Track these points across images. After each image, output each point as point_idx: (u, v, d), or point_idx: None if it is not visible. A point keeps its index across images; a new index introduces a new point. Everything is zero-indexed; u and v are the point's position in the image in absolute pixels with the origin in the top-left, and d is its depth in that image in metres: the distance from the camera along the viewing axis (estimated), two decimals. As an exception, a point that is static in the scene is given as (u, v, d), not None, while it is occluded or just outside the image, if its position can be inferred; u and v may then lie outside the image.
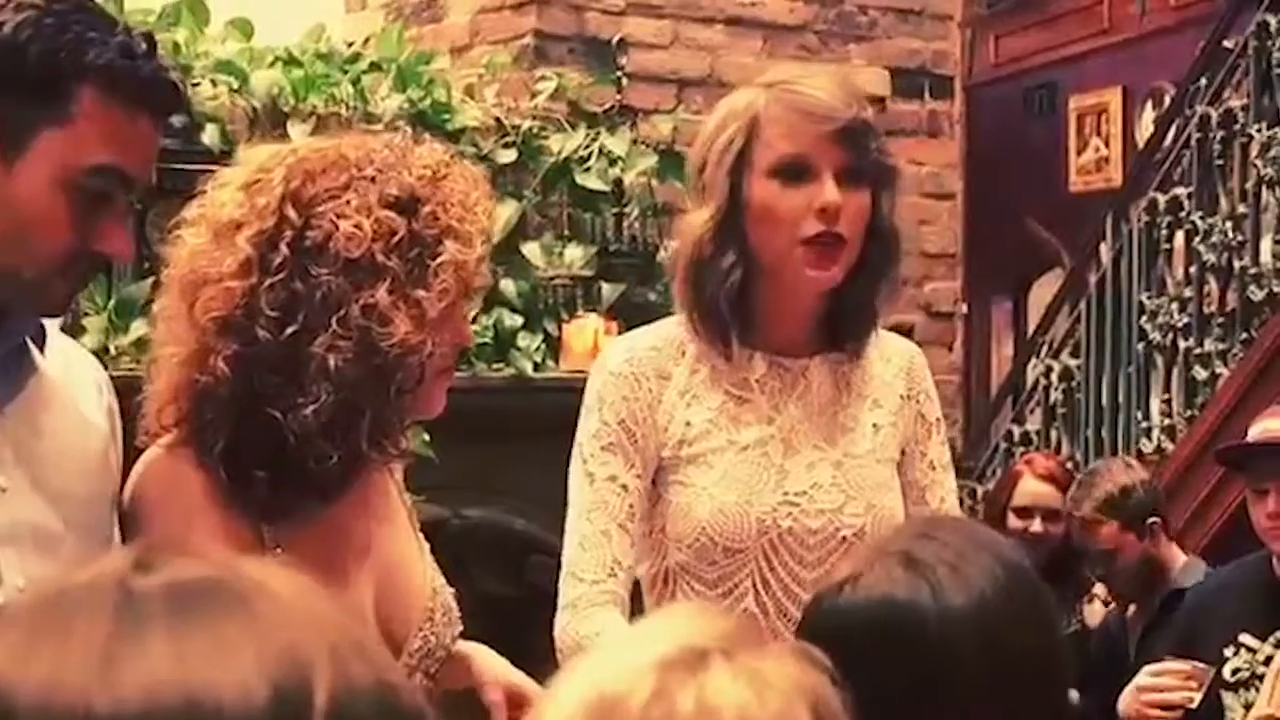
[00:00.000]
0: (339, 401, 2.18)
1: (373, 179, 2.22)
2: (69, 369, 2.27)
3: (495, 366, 6.07)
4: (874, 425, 2.75)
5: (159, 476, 2.27)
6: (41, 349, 2.21)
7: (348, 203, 2.20)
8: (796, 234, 2.62)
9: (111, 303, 5.34)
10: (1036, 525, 5.20)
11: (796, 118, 2.63)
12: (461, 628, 2.46)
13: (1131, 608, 4.87)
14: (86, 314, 5.27)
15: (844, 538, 2.67)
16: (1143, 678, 4.05)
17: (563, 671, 1.29)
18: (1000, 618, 1.82)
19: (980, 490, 7.36)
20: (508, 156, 6.34)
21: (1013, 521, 5.21)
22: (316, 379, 2.17)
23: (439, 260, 2.21)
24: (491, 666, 2.55)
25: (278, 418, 2.19)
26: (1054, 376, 7.19)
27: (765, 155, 2.63)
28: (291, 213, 2.20)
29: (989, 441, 7.58)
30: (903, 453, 2.79)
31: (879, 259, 2.71)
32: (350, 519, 2.35)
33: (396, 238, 2.19)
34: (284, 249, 2.19)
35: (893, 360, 2.82)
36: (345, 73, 6.16)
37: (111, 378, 2.37)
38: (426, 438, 5.01)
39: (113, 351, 5.21)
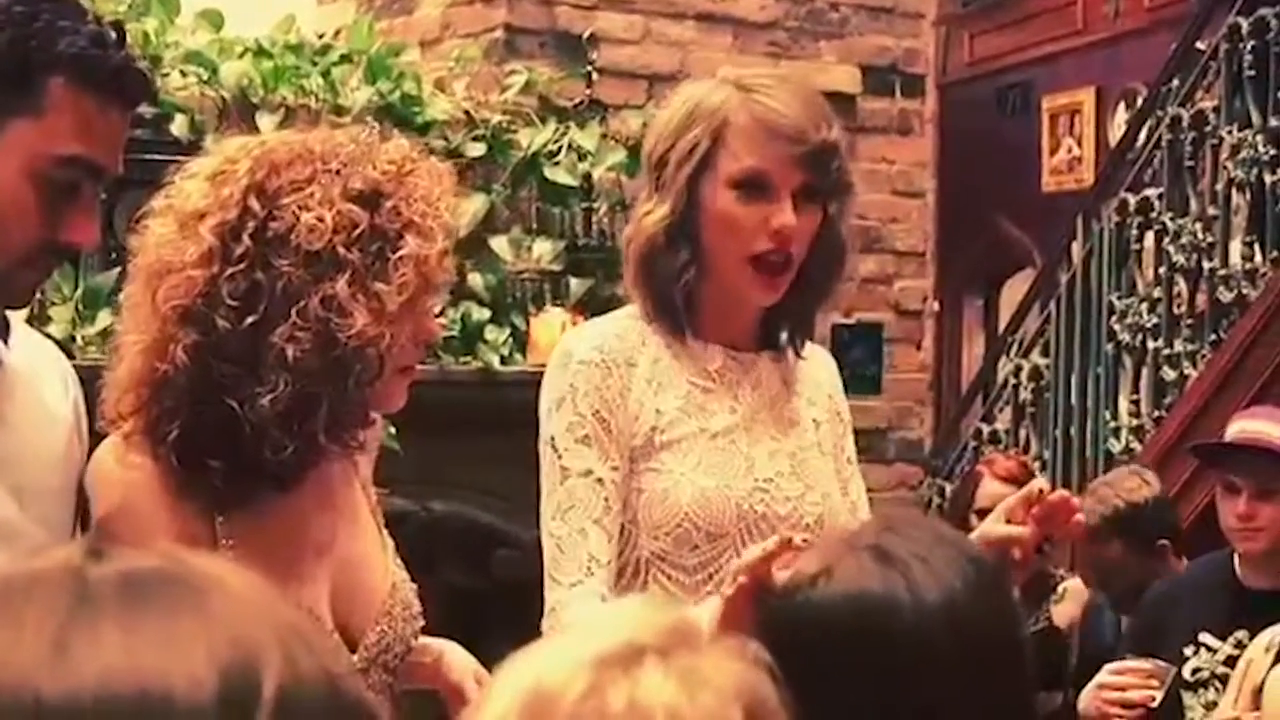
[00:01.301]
0: (296, 392, 2.18)
1: (337, 172, 2.22)
2: (33, 361, 2.27)
3: (462, 360, 6.05)
4: (814, 420, 2.79)
5: (114, 466, 2.26)
6: (5, 340, 2.21)
7: (311, 195, 2.20)
8: (747, 249, 2.64)
9: (78, 293, 5.31)
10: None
11: (765, 134, 2.63)
12: (423, 623, 2.45)
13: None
14: (53, 304, 5.24)
15: (807, 525, 2.68)
16: (1104, 676, 4.03)
17: (507, 662, 1.28)
18: (971, 611, 1.83)
19: (949, 489, 7.37)
20: (477, 150, 6.32)
21: (975, 523, 5.18)
22: (274, 369, 2.17)
23: (399, 254, 2.21)
24: (462, 663, 2.54)
25: (234, 407, 2.19)
26: (1023, 375, 7.20)
27: (729, 165, 2.63)
28: (255, 204, 2.20)
29: (959, 440, 7.59)
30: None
31: (821, 273, 2.73)
32: (308, 512, 2.35)
33: (358, 231, 2.19)
34: (246, 239, 2.19)
35: (816, 363, 2.86)
36: (315, 64, 6.14)
37: (77, 367, 2.38)
38: (393, 431, 4.99)
39: (79, 341, 5.19)
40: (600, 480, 2.61)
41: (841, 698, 1.78)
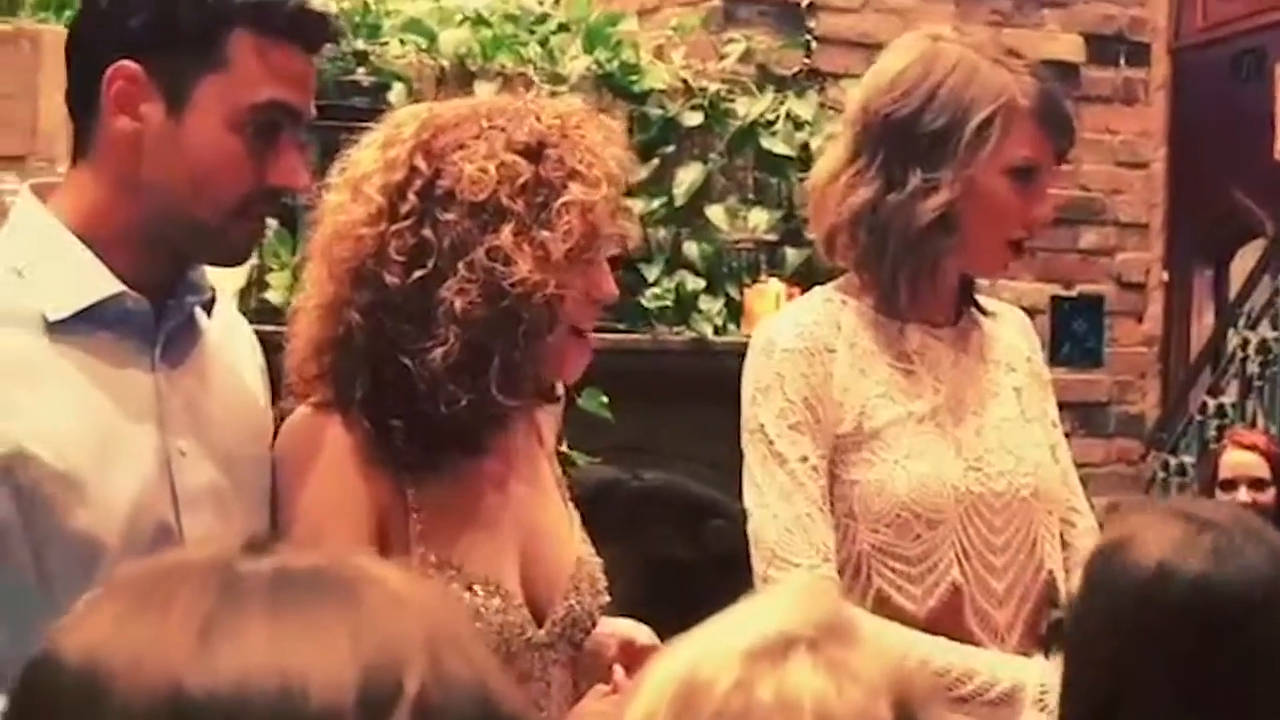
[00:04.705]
0: (466, 344, 2.19)
1: (503, 129, 2.25)
2: (227, 330, 2.32)
3: (676, 330, 6.03)
4: (1014, 388, 2.77)
5: (303, 437, 2.29)
6: (209, 312, 2.26)
7: (476, 150, 2.23)
8: (1008, 235, 2.67)
9: (295, 259, 5.37)
10: (1243, 494, 5.13)
11: (1048, 125, 2.66)
12: (609, 598, 2.44)
13: None
14: (271, 269, 5.30)
15: (1023, 499, 2.67)
16: None
17: (665, 651, 1.31)
18: None
19: (1173, 462, 7.24)
20: (694, 119, 6.29)
21: (1219, 496, 5.17)
22: (444, 322, 2.19)
23: (562, 201, 2.22)
24: (613, 623, 2.52)
25: (408, 364, 2.21)
26: (1251, 349, 7.04)
27: (1010, 152, 2.63)
28: (421, 163, 2.23)
29: (1186, 413, 7.44)
30: None
31: None
32: (496, 480, 2.36)
33: (521, 180, 2.21)
34: (412, 196, 2.22)
35: (1010, 324, 2.85)
36: (533, 33, 6.14)
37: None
38: (605, 399, 5.00)
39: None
40: (815, 468, 2.60)
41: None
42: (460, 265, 2.20)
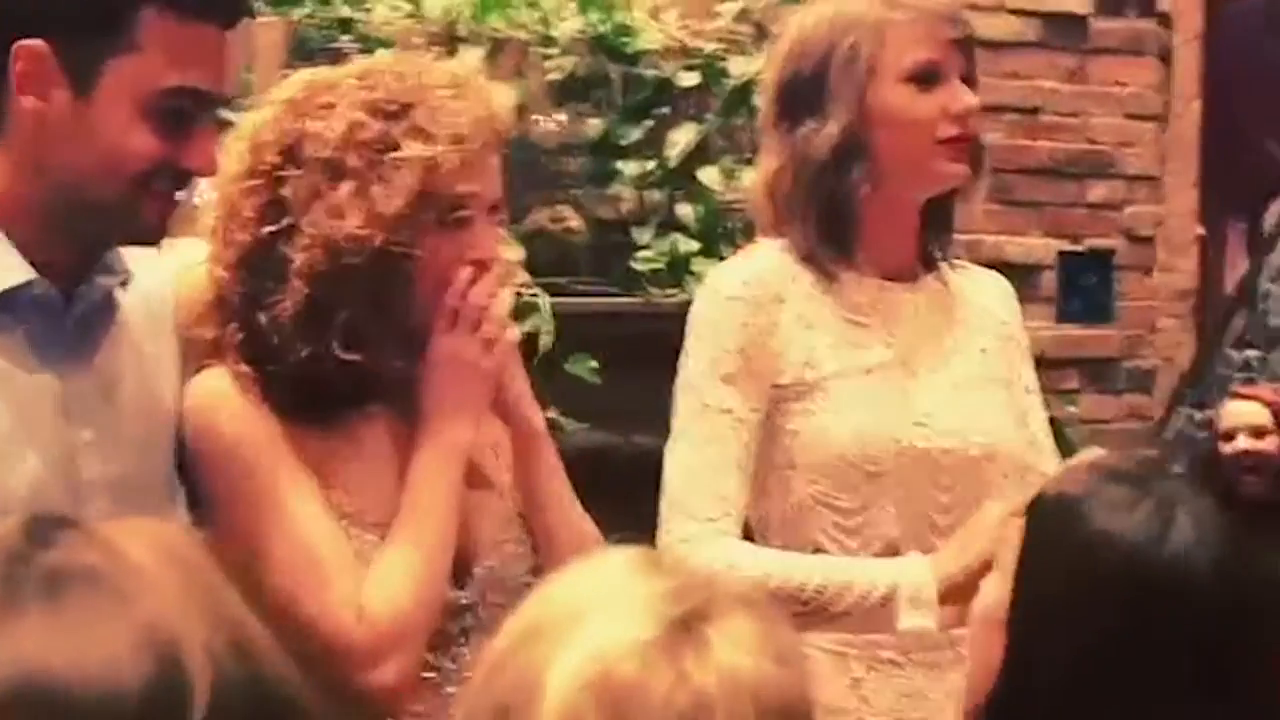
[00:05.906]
0: (309, 299, 2.21)
1: (369, 88, 2.28)
2: (148, 301, 2.29)
3: (669, 292, 5.95)
4: (981, 350, 2.72)
5: (208, 395, 2.29)
6: (125, 287, 2.24)
7: (336, 111, 2.26)
8: (932, 137, 2.63)
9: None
10: (1241, 442, 5.14)
11: (928, 24, 2.63)
12: (535, 560, 2.42)
13: None
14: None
15: (972, 458, 2.62)
16: None
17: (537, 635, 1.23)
18: None
19: (1199, 416, 7.15)
20: (690, 79, 6.20)
21: (1224, 447, 5.19)
22: (290, 277, 2.22)
23: (396, 156, 2.23)
24: None
25: (261, 318, 2.23)
26: (1271, 301, 6.94)
27: (897, 62, 2.61)
28: (288, 122, 2.27)
29: (1213, 368, 7.35)
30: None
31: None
32: (397, 435, 2.35)
33: (364, 138, 2.23)
34: (273, 155, 2.25)
35: (987, 289, 2.81)
36: (524, -5, 6.07)
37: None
38: (594, 364, 4.95)
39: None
40: (740, 420, 2.57)
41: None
42: (304, 221, 2.23)
